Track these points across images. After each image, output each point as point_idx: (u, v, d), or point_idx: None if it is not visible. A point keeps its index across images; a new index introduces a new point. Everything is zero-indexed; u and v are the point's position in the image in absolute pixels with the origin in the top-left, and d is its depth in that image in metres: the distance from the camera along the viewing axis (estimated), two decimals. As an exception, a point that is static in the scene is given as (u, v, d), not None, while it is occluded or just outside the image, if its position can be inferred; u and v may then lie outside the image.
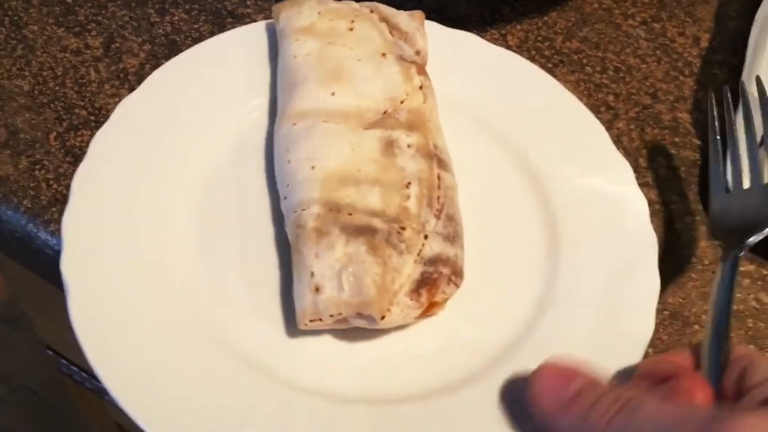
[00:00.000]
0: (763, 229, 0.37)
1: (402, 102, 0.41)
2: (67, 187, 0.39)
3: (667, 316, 0.41)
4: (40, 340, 0.73)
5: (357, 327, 0.36)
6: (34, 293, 0.61)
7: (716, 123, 0.43)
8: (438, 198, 0.38)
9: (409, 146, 0.39)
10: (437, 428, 0.34)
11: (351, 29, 0.43)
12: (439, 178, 0.39)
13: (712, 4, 0.55)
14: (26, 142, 0.44)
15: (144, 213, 0.39)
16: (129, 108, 0.41)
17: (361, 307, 0.34)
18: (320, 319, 0.35)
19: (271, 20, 0.46)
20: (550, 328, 0.38)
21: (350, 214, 0.36)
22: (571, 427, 0.30)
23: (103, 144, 0.40)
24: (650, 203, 0.43)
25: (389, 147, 0.39)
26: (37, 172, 0.42)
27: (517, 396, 0.35)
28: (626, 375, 0.35)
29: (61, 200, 0.41)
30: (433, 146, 0.40)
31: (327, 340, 0.37)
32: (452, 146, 0.42)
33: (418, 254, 0.36)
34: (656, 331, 0.39)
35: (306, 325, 0.35)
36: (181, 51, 0.45)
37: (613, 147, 0.43)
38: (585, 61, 0.51)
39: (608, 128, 0.46)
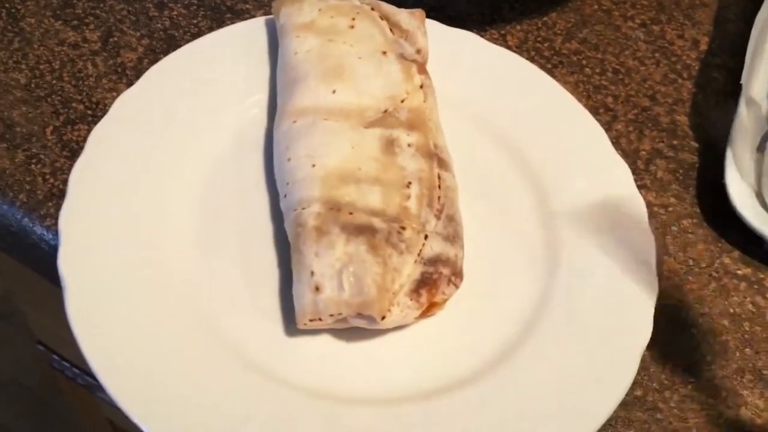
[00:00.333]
0: None
1: (402, 101, 0.41)
2: (64, 182, 0.39)
3: (665, 319, 0.41)
4: (32, 335, 0.73)
5: (356, 327, 0.36)
6: (28, 288, 0.61)
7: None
8: (438, 198, 0.38)
9: (409, 145, 0.39)
10: (436, 429, 0.34)
11: (352, 27, 0.42)
12: (439, 177, 0.39)
13: (711, 7, 0.55)
14: (23, 136, 0.43)
15: (142, 209, 0.38)
16: (127, 103, 0.41)
17: (361, 307, 0.34)
18: (320, 319, 0.35)
19: (271, 16, 0.46)
20: (549, 330, 0.37)
21: (351, 213, 0.36)
22: None
23: (101, 139, 0.40)
24: (648, 206, 0.44)
25: (389, 146, 0.39)
26: (33, 166, 0.42)
27: (516, 397, 0.35)
28: None
29: (57, 195, 0.41)
30: (433, 146, 0.40)
31: (326, 339, 0.37)
32: (452, 146, 0.41)
33: (419, 254, 0.36)
34: (653, 333, 0.39)
35: (305, 324, 0.35)
36: (180, 46, 0.45)
37: (612, 149, 0.43)
38: (584, 62, 0.51)
39: (607, 130, 0.47)
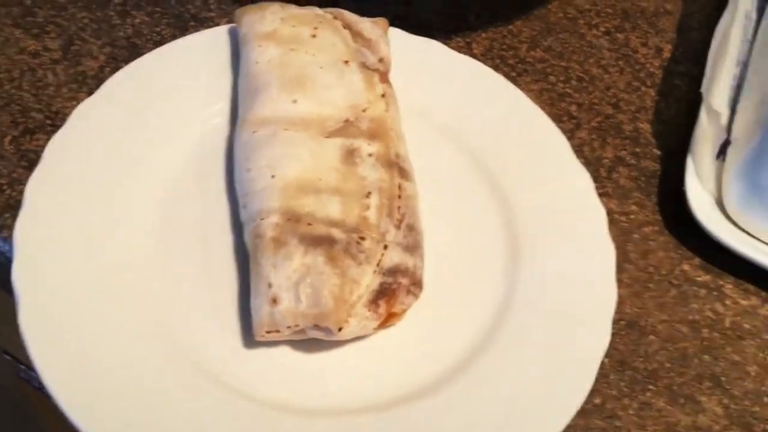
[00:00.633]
0: None
1: (364, 110, 0.41)
2: (21, 193, 0.38)
3: (624, 326, 0.41)
4: (-2, 344, 0.72)
5: (315, 338, 0.36)
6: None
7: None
8: (398, 207, 0.38)
9: (370, 155, 0.39)
10: (396, 438, 0.34)
11: (314, 36, 0.42)
12: (399, 187, 0.39)
13: (675, 15, 0.56)
14: (-20, 146, 0.43)
15: (100, 220, 0.38)
16: (86, 113, 0.41)
17: (318, 319, 0.34)
18: (277, 331, 0.34)
19: (235, 24, 0.45)
20: (510, 338, 0.38)
21: (309, 224, 0.36)
22: None
23: (59, 150, 0.39)
24: (609, 213, 0.44)
25: (350, 156, 0.39)
26: (-10, 176, 0.41)
27: (474, 406, 0.35)
28: None
29: (14, 206, 0.40)
30: (394, 155, 0.40)
31: (285, 350, 0.36)
32: (415, 154, 0.41)
33: (378, 265, 0.36)
34: (613, 341, 0.39)
35: (263, 336, 0.35)
36: (142, 54, 0.45)
37: (573, 156, 0.44)
38: (549, 70, 0.51)
39: (570, 137, 0.47)
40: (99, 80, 0.45)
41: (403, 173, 0.39)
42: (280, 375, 0.36)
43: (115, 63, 0.47)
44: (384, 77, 0.43)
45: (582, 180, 0.42)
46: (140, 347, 0.35)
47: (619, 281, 0.41)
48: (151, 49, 0.45)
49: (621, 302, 0.41)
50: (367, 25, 0.44)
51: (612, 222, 0.44)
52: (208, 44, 0.45)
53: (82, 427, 0.32)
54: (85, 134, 0.40)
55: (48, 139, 0.40)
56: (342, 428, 0.34)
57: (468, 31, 0.52)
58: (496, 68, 0.50)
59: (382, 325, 0.36)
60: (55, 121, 0.44)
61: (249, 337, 0.36)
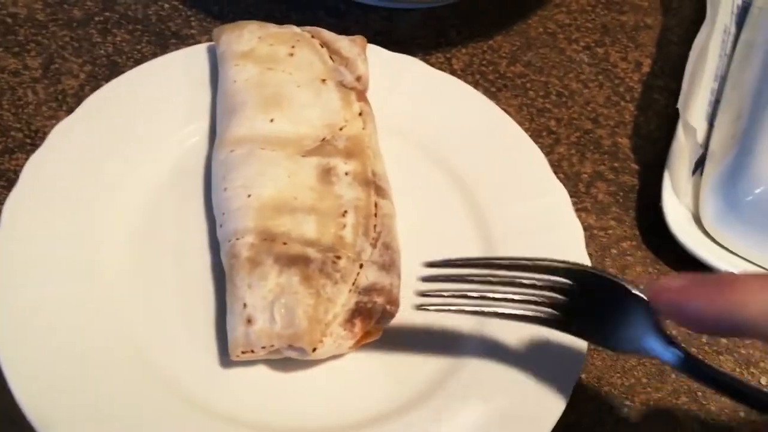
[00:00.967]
0: None
1: (341, 129, 0.41)
2: (0, 213, 0.38)
3: (602, 342, 0.41)
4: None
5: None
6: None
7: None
8: (375, 226, 0.38)
9: (346, 174, 0.39)
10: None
11: (291, 54, 0.43)
12: (376, 205, 0.39)
13: (654, 29, 0.56)
14: (-41, 165, 0.43)
15: (77, 240, 0.38)
16: (64, 132, 0.41)
17: (292, 339, 0.34)
18: (252, 351, 0.34)
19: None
20: (487, 353, 0.38)
21: (285, 244, 0.36)
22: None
23: (36, 170, 0.39)
24: (588, 228, 0.44)
25: (326, 175, 0.39)
26: (-31, 196, 0.42)
27: (449, 427, 0.35)
28: None
29: (-7, 226, 0.40)
30: (371, 173, 0.40)
31: (262, 370, 0.37)
32: (392, 172, 0.42)
33: (353, 283, 0.36)
34: (590, 356, 0.39)
35: (238, 356, 0.35)
36: (123, 72, 0.45)
37: (550, 173, 0.44)
38: (528, 85, 0.51)
39: (549, 153, 0.47)
40: (79, 98, 0.45)
41: (380, 191, 0.40)
42: (257, 395, 0.36)
43: (96, 81, 0.47)
44: (361, 95, 0.43)
45: (559, 197, 0.43)
46: (115, 365, 0.35)
47: (596, 297, 0.41)
48: (131, 67, 0.45)
49: (598, 318, 0.41)
50: (345, 44, 0.44)
51: (590, 237, 0.44)
52: (187, 62, 0.46)
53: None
54: (63, 153, 0.40)
55: (27, 159, 0.40)
56: (318, 447, 0.34)
57: (448, 46, 0.52)
58: (475, 83, 0.50)
59: (358, 343, 0.36)
60: (34, 140, 0.44)
61: (225, 356, 0.36)
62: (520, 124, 0.46)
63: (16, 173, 0.42)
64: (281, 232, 0.36)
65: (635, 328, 0.31)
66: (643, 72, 0.54)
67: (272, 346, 0.34)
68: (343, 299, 0.36)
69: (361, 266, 0.37)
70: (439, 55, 0.52)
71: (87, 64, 0.48)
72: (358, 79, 0.43)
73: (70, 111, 0.43)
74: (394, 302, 0.37)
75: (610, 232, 0.45)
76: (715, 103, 0.49)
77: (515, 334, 0.38)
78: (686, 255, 0.43)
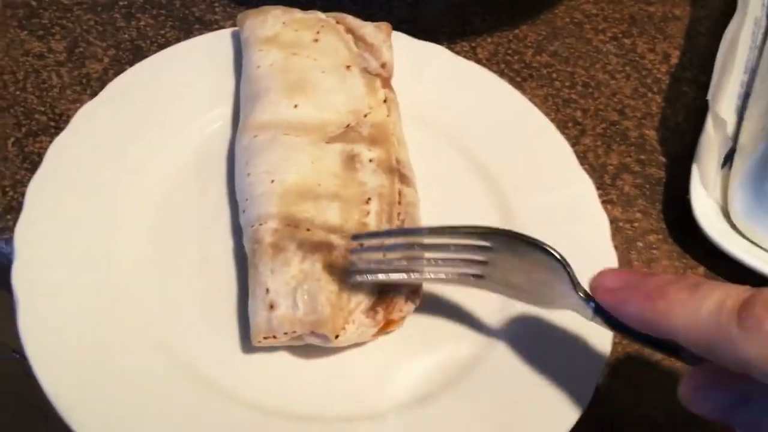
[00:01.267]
0: None
1: (365, 115, 0.40)
2: (24, 195, 0.38)
3: (627, 335, 0.40)
4: (6, 344, 0.72)
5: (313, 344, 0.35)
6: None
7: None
8: (398, 214, 0.38)
9: (370, 161, 0.39)
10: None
11: (316, 40, 0.42)
12: (400, 193, 0.38)
13: (683, 20, 0.55)
14: (-17, 148, 0.43)
15: (99, 223, 0.38)
16: (88, 115, 0.41)
17: (315, 326, 0.34)
18: (274, 337, 0.34)
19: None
20: (511, 344, 0.37)
21: (308, 230, 0.36)
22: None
23: (60, 152, 0.39)
24: (614, 221, 0.44)
25: (350, 161, 0.38)
26: (-7, 178, 0.42)
27: (474, 415, 0.35)
28: None
29: (16, 208, 0.40)
30: (395, 161, 0.39)
31: (283, 356, 0.36)
32: (416, 160, 0.41)
33: (377, 271, 0.36)
34: (614, 349, 0.39)
35: (260, 342, 0.35)
36: (147, 57, 0.45)
37: (576, 163, 0.43)
38: (554, 75, 0.51)
39: (575, 144, 0.47)
40: (103, 82, 0.45)
41: (404, 179, 0.39)
42: (278, 381, 0.35)
43: (119, 65, 0.47)
44: (386, 82, 0.42)
45: (585, 187, 0.42)
46: (138, 351, 0.35)
47: (622, 290, 0.40)
48: (155, 52, 0.45)
49: (623, 311, 0.40)
50: (369, 30, 0.43)
51: (616, 230, 0.44)
52: (211, 47, 0.45)
53: (76, 428, 0.32)
54: (86, 137, 0.40)
55: (51, 141, 0.40)
56: (338, 435, 0.34)
57: (473, 35, 0.52)
58: (501, 73, 0.49)
59: (381, 332, 0.36)
60: (59, 123, 0.44)
61: (247, 342, 0.36)
62: (546, 114, 0.45)
63: (40, 156, 0.42)
64: (305, 218, 0.36)
65: (557, 286, 0.32)
66: (671, 64, 0.53)
67: (294, 332, 0.34)
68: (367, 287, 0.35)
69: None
70: (464, 43, 0.51)
71: (111, 48, 0.48)
72: (383, 65, 0.43)
73: (94, 95, 0.43)
74: (416, 291, 0.36)
75: (636, 224, 0.45)
76: (745, 96, 0.48)
77: (539, 326, 0.38)
78: (714, 249, 0.43)
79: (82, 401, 0.33)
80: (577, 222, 0.41)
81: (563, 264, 0.32)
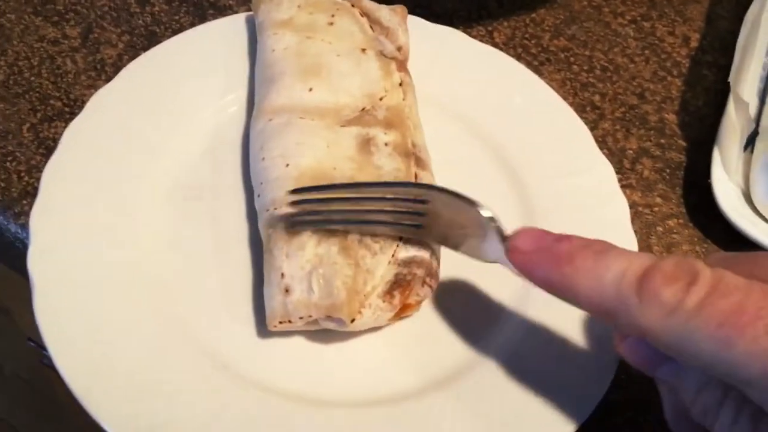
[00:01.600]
0: None
1: (381, 99, 0.40)
2: (39, 180, 0.38)
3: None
4: (21, 331, 0.73)
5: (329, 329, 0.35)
6: (12, 285, 0.60)
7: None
8: (414, 198, 0.37)
9: (386, 144, 0.38)
10: (410, 431, 0.34)
11: (331, 23, 0.42)
12: (416, 177, 0.38)
13: (703, 3, 0.54)
14: (-1, 133, 0.43)
15: (115, 208, 0.38)
16: (103, 100, 0.41)
17: (330, 310, 0.34)
18: (290, 321, 0.34)
19: (253, 12, 0.45)
20: (527, 329, 0.37)
21: (323, 214, 0.35)
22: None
23: (75, 136, 0.39)
24: (633, 205, 0.43)
25: (366, 145, 0.38)
26: (8, 163, 0.42)
27: (490, 401, 0.34)
28: None
29: (32, 193, 0.40)
30: (411, 144, 0.39)
31: (299, 341, 0.36)
32: (432, 144, 0.41)
33: (393, 255, 0.35)
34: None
35: (275, 326, 0.34)
36: (161, 42, 0.44)
37: (595, 147, 0.43)
38: (572, 59, 0.50)
39: (593, 128, 0.46)
40: (117, 68, 0.45)
41: (420, 163, 0.39)
42: (294, 365, 0.35)
43: (134, 51, 0.47)
44: (402, 66, 0.42)
45: (604, 171, 0.41)
46: (154, 335, 0.35)
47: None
48: (169, 37, 0.45)
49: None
50: (385, 13, 0.43)
51: (635, 214, 0.43)
52: (226, 32, 0.45)
53: (95, 414, 0.32)
54: (101, 121, 0.40)
55: (66, 127, 0.40)
56: (354, 420, 0.34)
57: (489, 19, 0.51)
58: (518, 57, 0.49)
59: (397, 316, 0.35)
60: (73, 109, 0.44)
61: (263, 326, 0.36)
62: (563, 99, 0.45)
63: (55, 141, 0.42)
64: (320, 202, 0.36)
65: (488, 241, 0.33)
66: (691, 47, 0.52)
67: (310, 316, 0.34)
68: (382, 271, 0.35)
69: (400, 238, 0.36)
70: (481, 28, 0.51)
71: (125, 34, 0.47)
72: (399, 49, 0.42)
73: (109, 80, 0.43)
74: (433, 275, 0.36)
75: (656, 209, 0.44)
76: (767, 79, 0.47)
77: (557, 311, 0.37)
78: (735, 233, 0.42)
79: (99, 386, 0.33)
80: (596, 207, 0.40)
81: (493, 221, 0.33)
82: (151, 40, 0.47)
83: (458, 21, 0.50)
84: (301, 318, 0.34)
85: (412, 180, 0.38)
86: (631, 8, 0.53)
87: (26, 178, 0.41)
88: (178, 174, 0.40)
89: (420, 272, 0.35)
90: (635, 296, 0.26)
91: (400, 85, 0.41)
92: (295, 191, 0.35)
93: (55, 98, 0.44)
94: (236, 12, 0.49)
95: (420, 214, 0.34)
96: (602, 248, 0.28)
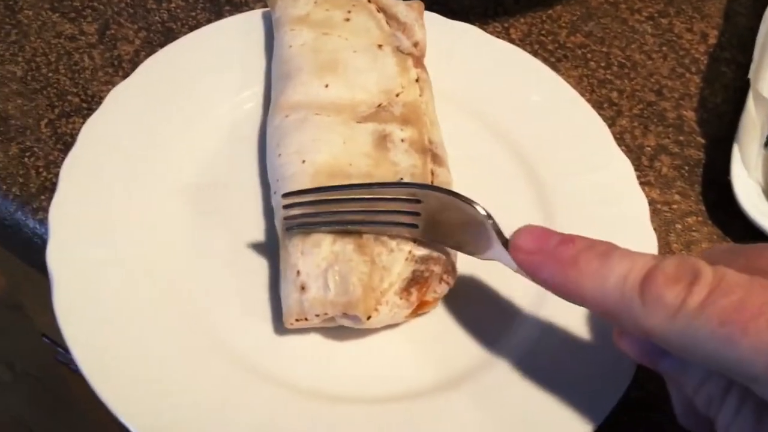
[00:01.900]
0: None
1: (397, 95, 0.40)
2: (57, 175, 0.38)
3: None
4: (36, 327, 0.73)
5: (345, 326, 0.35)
6: (27, 281, 0.61)
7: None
8: (431, 194, 0.37)
9: (402, 140, 0.38)
10: (426, 428, 0.34)
11: (347, 19, 0.42)
12: (432, 173, 0.38)
13: (721, 0, 0.54)
14: (17, 129, 0.43)
15: (132, 204, 0.38)
16: (120, 96, 0.41)
17: (346, 307, 0.33)
18: (306, 319, 0.34)
19: (269, 8, 0.45)
20: (543, 328, 0.37)
21: (340, 210, 0.35)
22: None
23: (93, 132, 0.39)
24: (652, 203, 0.43)
25: (382, 141, 0.38)
26: (26, 159, 0.42)
27: (507, 399, 0.34)
28: None
29: (50, 188, 0.40)
30: (428, 141, 0.39)
31: (316, 337, 0.36)
32: (450, 140, 0.41)
33: (410, 252, 0.35)
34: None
35: (292, 324, 0.34)
36: (178, 39, 0.45)
37: (614, 144, 0.42)
38: (589, 56, 0.50)
39: (611, 125, 0.46)
40: (134, 64, 0.45)
41: (437, 159, 0.39)
42: (311, 362, 0.35)
43: (151, 47, 0.47)
44: (418, 62, 0.42)
45: (622, 168, 0.41)
46: (172, 331, 0.35)
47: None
48: (186, 34, 0.45)
49: (661, 294, 0.39)
50: (402, 9, 0.43)
51: (654, 212, 0.43)
52: (242, 28, 0.45)
53: (114, 409, 0.32)
54: (119, 117, 0.40)
55: (84, 122, 0.40)
56: (371, 416, 0.34)
57: (506, 15, 0.51)
58: (534, 54, 0.48)
59: (414, 313, 0.35)
60: (91, 105, 0.44)
61: (279, 322, 0.35)
62: (581, 95, 0.44)
63: (73, 137, 0.42)
64: (336, 199, 0.36)
65: (485, 239, 0.33)
66: (710, 44, 0.51)
67: (326, 314, 0.34)
68: (399, 268, 0.35)
69: (417, 234, 0.36)
70: (497, 24, 0.50)
71: (142, 30, 0.47)
72: (416, 45, 0.42)
73: (126, 76, 0.43)
74: (450, 272, 0.36)
75: (675, 207, 0.44)
76: (787, 76, 0.47)
77: (573, 317, 0.37)
78: (755, 230, 0.41)
79: (118, 380, 0.33)
80: (615, 204, 0.40)
81: (489, 219, 0.33)
82: (168, 36, 0.47)
83: (474, 17, 0.50)
84: (317, 315, 0.34)
85: (429, 177, 0.38)
86: (648, 4, 0.53)
87: (44, 174, 0.41)
88: (194, 170, 0.40)
89: (437, 269, 0.35)
90: (638, 299, 0.27)
91: (417, 81, 0.41)
92: (286, 195, 0.35)
93: (72, 94, 0.44)
94: (252, 8, 0.49)
95: (415, 213, 0.34)
96: (606, 250, 0.29)
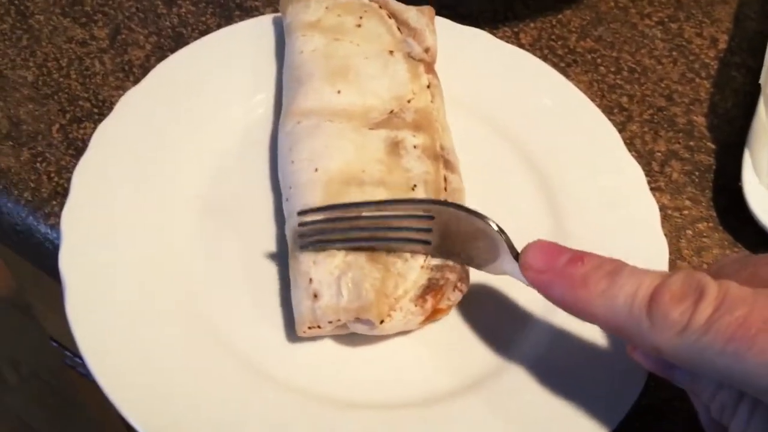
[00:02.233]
0: None
1: (409, 101, 0.40)
2: (69, 181, 0.38)
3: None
4: (45, 331, 0.73)
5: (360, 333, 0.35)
6: (38, 285, 0.61)
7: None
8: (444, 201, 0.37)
9: (415, 147, 0.38)
10: (438, 435, 0.34)
11: (359, 25, 0.42)
12: (445, 179, 0.38)
13: (731, 4, 0.54)
14: (28, 134, 0.43)
15: (145, 209, 0.38)
16: (132, 101, 0.41)
17: (359, 312, 0.33)
18: (319, 326, 0.34)
19: (280, 14, 0.45)
20: (557, 333, 0.37)
21: (353, 217, 0.35)
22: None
23: (105, 137, 0.39)
24: (662, 208, 0.43)
25: (395, 147, 0.38)
26: (38, 164, 0.42)
27: (520, 405, 0.34)
28: None
29: (61, 193, 0.41)
30: (440, 147, 0.39)
31: (329, 344, 0.36)
32: (461, 146, 0.41)
33: (425, 260, 0.35)
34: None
35: (304, 332, 0.34)
36: (188, 44, 0.45)
37: (624, 149, 0.42)
38: (599, 61, 0.50)
39: (621, 130, 0.46)
40: (145, 69, 0.45)
41: (449, 165, 0.39)
42: (324, 369, 0.35)
43: (161, 52, 0.47)
44: (429, 68, 0.42)
45: (633, 173, 0.41)
46: (182, 337, 0.35)
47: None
48: (196, 39, 0.45)
49: (673, 300, 0.39)
50: (412, 14, 0.43)
51: (665, 217, 0.43)
52: (253, 33, 0.45)
53: (127, 414, 0.32)
54: (130, 122, 0.40)
55: (95, 128, 0.40)
56: (384, 422, 0.34)
57: (516, 20, 0.51)
58: (544, 59, 0.48)
59: (427, 320, 0.35)
60: (102, 110, 0.44)
61: (291, 329, 0.35)
62: (591, 100, 0.44)
63: (85, 142, 0.42)
64: (350, 206, 0.36)
65: (498, 254, 0.33)
66: (720, 48, 0.51)
67: (339, 320, 0.34)
68: (415, 275, 0.35)
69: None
70: (507, 29, 0.50)
71: (153, 35, 0.48)
72: (427, 50, 0.42)
73: (137, 81, 0.43)
74: (464, 279, 0.36)
75: (686, 212, 0.44)
76: (799, 81, 0.47)
77: (585, 326, 0.36)
78: (766, 236, 0.41)
79: (130, 385, 0.33)
80: (625, 209, 0.40)
81: (501, 234, 0.33)
82: (178, 41, 0.47)
83: (484, 22, 0.50)
84: (330, 323, 0.34)
85: (442, 184, 0.38)
86: (658, 9, 0.53)
87: (56, 179, 0.41)
88: (206, 175, 0.40)
89: (452, 277, 0.35)
90: (647, 318, 0.27)
91: (428, 87, 0.41)
92: (301, 212, 0.35)
93: (83, 99, 0.45)
94: (262, 13, 0.49)
95: (428, 230, 0.34)
96: (614, 269, 0.29)
